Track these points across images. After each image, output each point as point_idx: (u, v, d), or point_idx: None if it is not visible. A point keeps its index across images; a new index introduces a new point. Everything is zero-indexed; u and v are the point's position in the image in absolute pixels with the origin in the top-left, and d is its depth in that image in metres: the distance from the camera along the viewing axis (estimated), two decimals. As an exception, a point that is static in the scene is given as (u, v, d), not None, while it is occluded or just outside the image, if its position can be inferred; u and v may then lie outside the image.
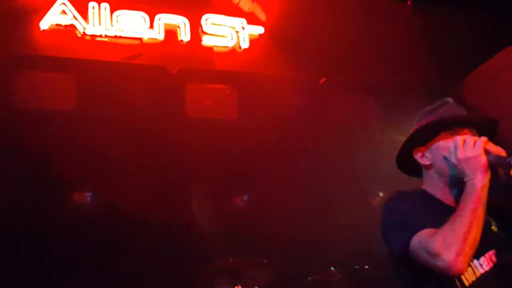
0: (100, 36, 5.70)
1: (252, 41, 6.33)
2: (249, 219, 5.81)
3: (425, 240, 1.96)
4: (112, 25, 5.73)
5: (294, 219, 5.55)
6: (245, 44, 6.26)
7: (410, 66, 6.18)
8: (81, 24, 5.61)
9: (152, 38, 5.91)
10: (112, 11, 5.76)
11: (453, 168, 2.11)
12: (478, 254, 2.03)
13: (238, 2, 6.35)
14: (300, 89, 6.12)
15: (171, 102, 5.83)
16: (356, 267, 5.04)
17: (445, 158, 2.17)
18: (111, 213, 5.22)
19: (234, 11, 6.37)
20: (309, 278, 4.98)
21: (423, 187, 2.35)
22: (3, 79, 5.24)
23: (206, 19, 6.16)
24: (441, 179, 2.25)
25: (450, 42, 6.15)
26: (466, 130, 2.20)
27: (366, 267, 5.01)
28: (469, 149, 2.04)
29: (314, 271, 5.04)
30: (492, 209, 2.15)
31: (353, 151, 6.03)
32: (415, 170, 2.39)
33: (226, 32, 6.22)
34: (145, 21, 5.87)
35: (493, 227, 2.23)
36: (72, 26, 5.59)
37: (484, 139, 2.07)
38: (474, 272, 2.06)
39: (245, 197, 6.09)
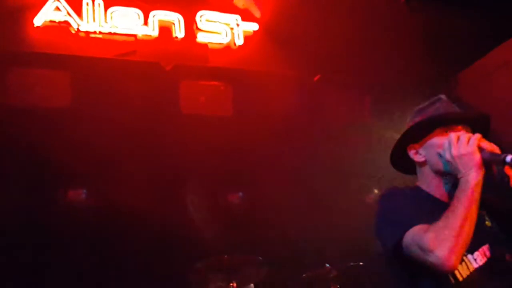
0: (94, 32, 5.69)
1: (247, 38, 6.33)
2: (244, 216, 5.81)
3: (418, 236, 1.96)
4: (106, 22, 5.72)
5: (289, 216, 5.55)
6: (239, 41, 6.26)
7: (404, 63, 6.20)
8: (75, 21, 5.59)
9: (146, 35, 5.91)
10: (106, 8, 5.75)
11: (447, 164, 2.11)
12: (472, 249, 2.04)
13: (233, -1, 6.36)
14: (294, 86, 6.13)
15: (166, 99, 5.82)
16: (351, 264, 5.05)
17: (439, 155, 2.17)
18: (106, 210, 5.20)
19: (229, 8, 6.37)
20: (304, 275, 4.99)
21: (417, 184, 2.35)
22: (-4, 76, 5.22)
23: (201, 16, 6.16)
24: (435, 176, 2.25)
25: (444, 39, 6.17)
26: (459, 127, 2.20)
27: (361, 264, 5.02)
28: (463, 146, 2.04)
29: (309, 268, 5.05)
30: (486, 205, 2.16)
31: (348, 148, 6.03)
32: (409, 167, 2.40)
33: (220, 29, 6.22)
34: (139, 18, 5.87)
35: (486, 222, 2.24)
36: (66, 22, 5.58)
37: (478, 136, 2.07)
38: (468, 267, 2.07)
39: (240, 194, 6.09)
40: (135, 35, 5.87)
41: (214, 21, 6.22)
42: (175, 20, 6.05)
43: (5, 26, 5.30)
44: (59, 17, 5.55)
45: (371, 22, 6.08)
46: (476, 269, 2.08)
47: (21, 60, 5.41)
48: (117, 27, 5.76)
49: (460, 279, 2.04)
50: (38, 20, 5.47)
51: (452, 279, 2.03)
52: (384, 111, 6.21)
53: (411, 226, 2.01)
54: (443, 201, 2.20)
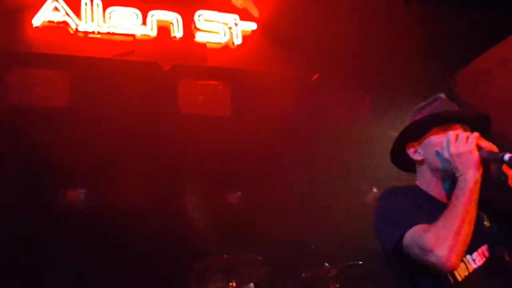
0: (93, 32, 5.69)
1: (245, 37, 6.34)
2: (243, 216, 5.82)
3: (418, 235, 1.96)
4: (104, 22, 5.73)
5: (288, 215, 5.55)
6: (238, 40, 6.27)
7: (404, 63, 6.19)
8: (74, 21, 5.59)
9: (145, 35, 5.91)
10: (104, 8, 5.76)
11: (446, 163, 2.11)
12: (470, 249, 2.03)
13: (231, -1, 6.37)
14: (293, 86, 6.13)
15: (164, 99, 5.82)
16: (351, 263, 5.06)
17: (438, 153, 2.17)
18: (105, 210, 5.20)
19: (227, 7, 6.38)
20: (304, 274, 4.99)
21: (417, 183, 2.35)
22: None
23: (199, 16, 6.16)
24: (434, 175, 2.25)
25: (443, 39, 6.16)
26: (458, 126, 2.20)
27: (360, 263, 5.03)
28: (461, 144, 2.04)
29: (309, 267, 5.05)
30: (485, 205, 2.17)
31: (347, 148, 6.04)
32: (409, 165, 2.40)
33: (219, 29, 6.22)
34: (137, 18, 5.87)
35: (485, 222, 2.24)
36: (65, 22, 5.58)
37: (476, 134, 2.07)
38: (466, 267, 2.07)
39: (239, 194, 6.09)
40: (133, 35, 5.88)
41: (213, 21, 6.23)
42: (174, 20, 6.05)
43: (4, 27, 5.30)
44: (58, 17, 5.56)
45: (371, 22, 6.07)
46: (475, 270, 2.08)
47: (20, 60, 5.42)
48: (115, 27, 5.76)
49: (459, 279, 2.04)
50: (37, 21, 5.48)
51: (451, 279, 2.03)
52: (384, 110, 6.22)
53: (410, 226, 2.01)
54: (442, 200, 2.21)
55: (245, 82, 6.13)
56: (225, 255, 4.60)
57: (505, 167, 2.01)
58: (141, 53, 5.86)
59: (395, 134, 2.37)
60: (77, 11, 5.64)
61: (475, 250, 2.11)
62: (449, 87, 6.52)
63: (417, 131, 2.28)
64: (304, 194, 5.76)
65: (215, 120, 6.02)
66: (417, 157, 2.30)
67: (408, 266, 2.07)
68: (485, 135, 2.12)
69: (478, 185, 2.01)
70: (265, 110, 5.94)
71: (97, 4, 5.73)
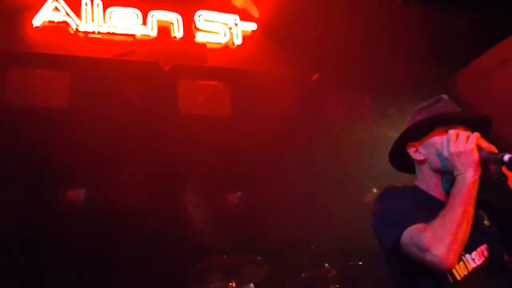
0: (93, 32, 5.69)
1: (245, 38, 6.34)
2: (243, 216, 5.82)
3: (416, 234, 1.97)
4: (105, 22, 5.73)
5: (288, 215, 5.56)
6: (238, 41, 6.27)
7: (403, 63, 6.19)
8: (74, 21, 5.60)
9: (145, 35, 5.91)
10: (105, 8, 5.76)
11: (445, 162, 2.12)
12: (470, 248, 2.05)
13: (231, -1, 6.37)
14: (293, 86, 6.13)
15: (164, 99, 5.83)
16: (350, 263, 5.06)
17: (438, 152, 2.18)
18: (105, 209, 5.20)
19: (227, 7, 6.38)
20: (304, 275, 4.99)
21: (416, 183, 2.36)
22: (-4, 77, 5.22)
23: (199, 16, 6.16)
24: (434, 175, 2.26)
25: (443, 39, 6.17)
26: (460, 127, 2.21)
27: (360, 263, 5.03)
28: (462, 144, 2.05)
29: (308, 267, 5.06)
30: (485, 205, 2.17)
31: (347, 148, 6.04)
32: (407, 166, 2.40)
33: (219, 29, 6.22)
34: (138, 18, 5.87)
35: (485, 222, 2.25)
36: (65, 23, 5.58)
37: (476, 134, 2.08)
38: (466, 266, 2.07)
39: (239, 194, 6.09)
40: (133, 35, 5.88)
41: (213, 21, 6.23)
42: (174, 20, 6.05)
43: (4, 27, 5.30)
44: (58, 17, 5.56)
45: (370, 22, 6.08)
46: (474, 269, 2.09)
47: (20, 60, 5.42)
48: (115, 27, 5.77)
49: (458, 278, 2.04)
50: (37, 21, 5.48)
51: (450, 278, 2.04)
52: (384, 110, 6.23)
53: (408, 225, 2.02)
54: (441, 200, 2.21)
55: (245, 82, 6.13)
56: (225, 255, 4.60)
57: (504, 168, 2.01)
58: (141, 53, 5.86)
59: (395, 134, 2.37)
60: (77, 11, 5.64)
61: (475, 249, 2.11)
62: (449, 87, 6.52)
63: (419, 131, 2.28)
64: (304, 194, 5.76)
65: (215, 120, 6.02)
66: (418, 156, 2.30)
67: (407, 265, 2.07)
68: (485, 136, 2.13)
69: (477, 185, 2.01)
70: (265, 110, 5.94)
71: (97, 4, 5.73)
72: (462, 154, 2.03)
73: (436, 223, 1.95)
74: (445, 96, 2.37)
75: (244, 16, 6.41)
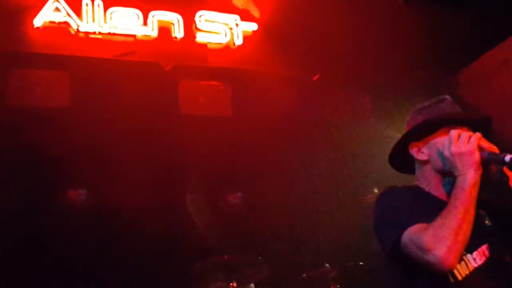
0: (94, 33, 5.69)
1: (246, 38, 6.33)
2: (244, 216, 5.82)
3: (416, 235, 1.97)
4: (105, 22, 5.72)
5: (289, 215, 5.56)
6: (239, 41, 6.26)
7: (404, 63, 6.19)
8: (75, 21, 5.59)
9: (145, 35, 5.91)
10: (105, 8, 5.76)
11: (446, 162, 2.12)
12: (471, 248, 2.05)
13: (232, -1, 6.37)
14: (294, 86, 6.13)
15: (165, 99, 5.82)
16: (351, 263, 5.06)
17: (439, 152, 2.18)
18: (105, 210, 5.21)
19: (228, 7, 6.38)
20: (304, 275, 5.00)
21: (417, 183, 2.36)
22: (-3, 77, 5.23)
23: (200, 16, 6.16)
24: (436, 175, 2.26)
25: (444, 39, 6.16)
26: (465, 128, 2.21)
27: (361, 263, 5.03)
28: (463, 144, 2.05)
29: (309, 267, 5.06)
30: (486, 205, 2.17)
31: (348, 148, 6.04)
32: (406, 166, 2.40)
33: (220, 29, 6.22)
34: (138, 18, 5.87)
35: (486, 222, 2.24)
36: (66, 23, 5.58)
37: (478, 135, 2.08)
38: (467, 266, 2.07)
39: (240, 194, 6.09)
40: (134, 36, 5.88)
41: (213, 21, 6.23)
42: (174, 20, 6.05)
43: (5, 27, 5.30)
44: (59, 17, 5.56)
45: (371, 22, 6.07)
46: (476, 269, 2.08)
47: (21, 61, 5.41)
48: (116, 28, 5.76)
49: (460, 278, 2.04)
50: (38, 21, 5.48)
51: (451, 278, 2.03)
52: (384, 111, 6.22)
53: (409, 225, 2.02)
54: (443, 200, 2.20)
55: (246, 82, 6.13)
56: (225, 256, 4.61)
57: (506, 168, 2.01)
58: (142, 53, 5.86)
59: (395, 134, 2.37)
60: (78, 12, 5.64)
61: (476, 249, 2.11)
62: (450, 87, 6.52)
63: (422, 131, 2.28)
64: (305, 194, 5.76)
65: (216, 121, 6.02)
66: (421, 156, 2.29)
67: (407, 265, 2.07)
68: (486, 136, 2.13)
69: (478, 186, 2.01)
70: (266, 110, 5.94)
71: (98, 5, 5.72)
72: (463, 154, 2.03)
73: (437, 223, 1.94)
74: (447, 97, 2.37)
75: (245, 16, 6.41)
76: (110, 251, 5.10)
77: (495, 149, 2.05)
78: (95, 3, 5.71)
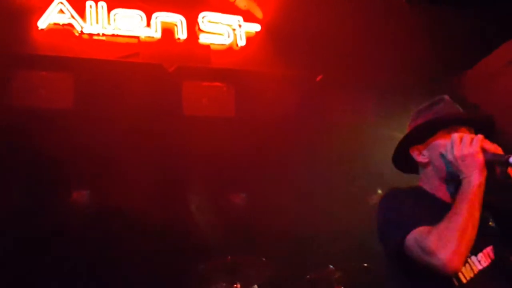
0: (98, 34, 5.70)
1: (249, 39, 6.34)
2: (247, 217, 5.81)
3: (421, 237, 1.96)
4: (109, 24, 5.74)
5: (293, 216, 5.55)
6: (242, 42, 6.26)
7: (407, 63, 6.18)
8: (79, 23, 5.61)
9: (149, 37, 5.92)
10: (109, 10, 5.77)
11: (450, 165, 2.11)
12: (475, 250, 2.04)
13: (235, 0, 6.36)
14: (297, 87, 6.13)
15: (168, 100, 5.82)
16: (355, 265, 5.05)
17: (442, 156, 2.17)
18: (109, 211, 5.22)
19: (231, 9, 6.38)
20: (308, 276, 4.99)
21: (420, 184, 2.35)
22: (1, 79, 5.23)
23: (203, 17, 6.17)
24: (439, 177, 2.25)
25: (447, 39, 6.15)
26: (464, 129, 2.20)
27: (365, 265, 5.02)
28: (466, 147, 2.04)
29: (313, 269, 5.05)
30: (490, 207, 2.16)
31: (351, 148, 6.03)
32: (410, 167, 2.40)
33: (223, 30, 6.22)
34: (142, 20, 5.88)
35: (490, 223, 2.24)
36: (70, 25, 5.60)
37: (480, 137, 2.07)
38: (472, 268, 2.06)
39: (243, 195, 6.09)
40: (138, 37, 5.89)
41: (216, 22, 6.23)
42: (178, 21, 6.06)
43: (9, 29, 5.31)
44: (63, 19, 5.57)
45: (374, 23, 6.07)
46: (480, 271, 2.07)
47: (25, 62, 5.42)
48: (120, 29, 5.77)
49: (464, 281, 2.03)
50: (42, 23, 5.49)
51: (455, 281, 2.02)
52: (387, 111, 6.21)
53: (413, 227, 2.01)
54: (446, 201, 2.20)
55: (249, 83, 6.12)
56: (229, 257, 4.61)
57: (510, 170, 2.00)
58: (145, 55, 5.87)
59: (399, 135, 2.36)
60: (82, 14, 5.65)
61: (480, 251, 2.10)
62: (454, 87, 6.50)
63: (422, 134, 2.28)
64: (309, 195, 5.75)
65: (219, 122, 6.01)
66: (421, 159, 2.29)
67: (411, 268, 2.06)
68: (490, 137, 2.12)
69: (482, 188, 2.00)
70: (269, 111, 5.94)
71: (102, 6, 5.74)
72: (466, 157, 2.02)
73: (442, 226, 1.93)
74: (446, 97, 2.36)
75: (248, 17, 6.41)
76: (110, 251, 5.11)
77: (499, 150, 2.04)
78: (99, 4, 5.73)
